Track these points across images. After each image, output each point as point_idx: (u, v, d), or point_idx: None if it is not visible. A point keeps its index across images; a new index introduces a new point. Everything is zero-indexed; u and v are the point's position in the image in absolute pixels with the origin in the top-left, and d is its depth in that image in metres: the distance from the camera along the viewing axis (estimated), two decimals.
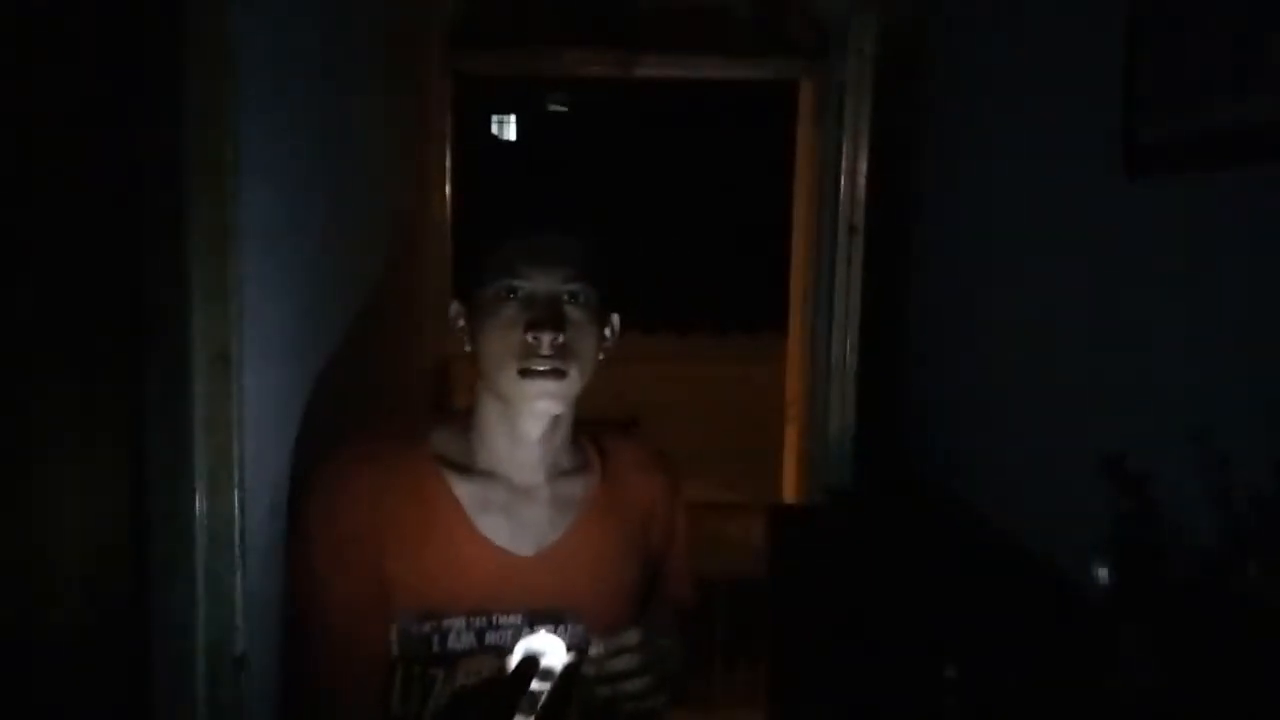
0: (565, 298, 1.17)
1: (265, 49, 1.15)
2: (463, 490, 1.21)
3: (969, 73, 2.32)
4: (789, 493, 3.17)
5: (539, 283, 1.17)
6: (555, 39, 2.91)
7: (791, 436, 3.17)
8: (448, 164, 2.94)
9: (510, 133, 6.61)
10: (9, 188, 0.84)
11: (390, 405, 2.03)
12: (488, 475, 1.23)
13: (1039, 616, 1.60)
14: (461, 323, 1.23)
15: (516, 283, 1.17)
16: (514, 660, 1.02)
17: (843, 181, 2.69)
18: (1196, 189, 1.42)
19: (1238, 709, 1.16)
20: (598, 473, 1.29)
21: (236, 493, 1.05)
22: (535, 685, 0.99)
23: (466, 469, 1.22)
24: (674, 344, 5.63)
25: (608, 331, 1.24)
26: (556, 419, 1.22)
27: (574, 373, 1.17)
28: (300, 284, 1.33)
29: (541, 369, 1.15)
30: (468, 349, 1.22)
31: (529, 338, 1.15)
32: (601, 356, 1.22)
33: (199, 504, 1.03)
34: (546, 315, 1.15)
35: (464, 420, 1.25)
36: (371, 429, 1.45)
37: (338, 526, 1.15)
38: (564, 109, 6.44)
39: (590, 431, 1.33)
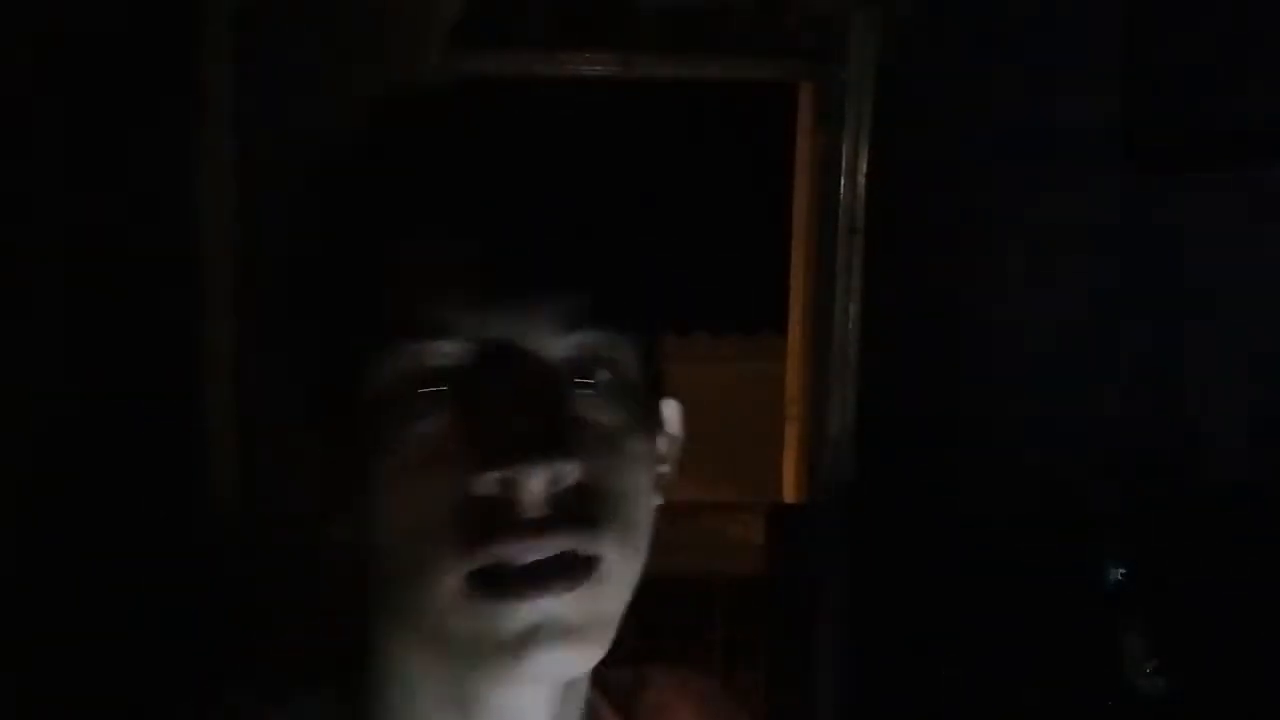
0: (569, 373, 0.47)
1: (263, 55, 1.15)
2: None
3: (971, 73, 2.32)
4: (789, 493, 3.17)
5: (498, 332, 0.46)
6: (554, 39, 2.90)
7: (791, 436, 3.16)
8: None
9: None
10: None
11: None
12: None
13: (1040, 612, 1.60)
14: (324, 467, 0.51)
15: (446, 346, 0.46)
16: None
17: (843, 182, 2.69)
18: (1196, 189, 1.42)
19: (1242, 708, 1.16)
20: None
21: None
22: None
23: None
24: (674, 344, 5.61)
25: (662, 442, 0.55)
26: (573, 684, 0.53)
27: (613, 552, 0.47)
28: None
29: (535, 560, 0.45)
30: (339, 531, 0.50)
31: (495, 478, 0.45)
32: (659, 500, 0.53)
33: None
34: (536, 419, 0.45)
35: (351, 683, 0.53)
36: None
37: None
38: None
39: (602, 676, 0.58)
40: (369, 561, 0.49)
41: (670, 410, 0.57)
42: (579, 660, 0.47)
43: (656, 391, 0.54)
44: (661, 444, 0.55)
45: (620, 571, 0.47)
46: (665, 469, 0.55)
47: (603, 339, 0.48)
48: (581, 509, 0.45)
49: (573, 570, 0.45)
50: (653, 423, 0.53)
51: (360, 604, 0.50)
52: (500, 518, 0.44)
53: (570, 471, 0.45)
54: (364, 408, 0.46)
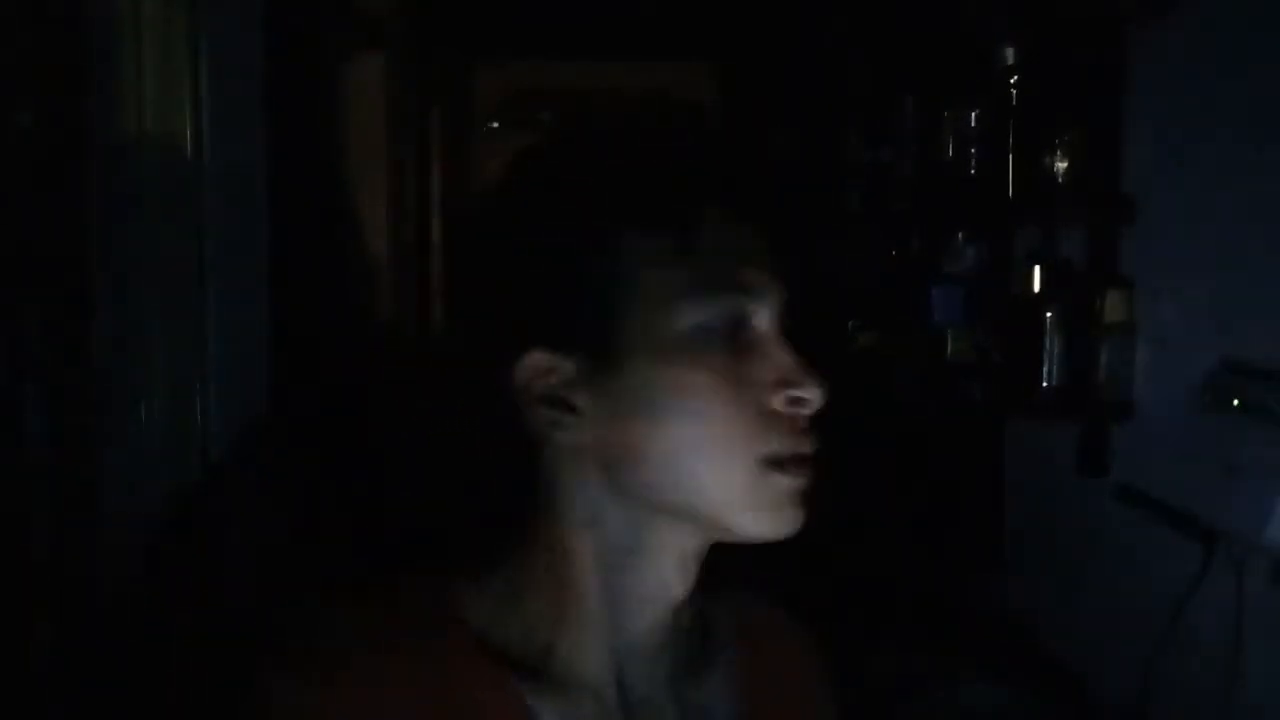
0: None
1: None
2: (543, 709, 0.61)
3: None
4: None
5: (775, 302, 0.62)
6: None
7: None
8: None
9: None
10: None
11: None
12: (571, 683, 0.63)
13: None
14: (564, 393, 0.61)
15: (751, 304, 0.61)
16: None
17: None
18: None
19: None
20: (734, 669, 0.69)
21: None
22: None
23: (536, 669, 0.62)
24: None
25: None
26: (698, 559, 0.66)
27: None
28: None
29: (806, 453, 0.62)
30: (573, 436, 0.61)
31: (785, 398, 0.61)
32: None
33: None
34: (808, 361, 0.62)
35: (513, 578, 0.64)
36: (362, 585, 0.65)
37: None
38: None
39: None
40: (635, 464, 0.60)
41: None
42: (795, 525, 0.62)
43: None
44: None
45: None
46: None
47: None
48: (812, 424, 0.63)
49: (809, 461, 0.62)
50: None
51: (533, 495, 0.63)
52: (789, 426, 0.61)
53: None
54: (667, 341, 0.60)
